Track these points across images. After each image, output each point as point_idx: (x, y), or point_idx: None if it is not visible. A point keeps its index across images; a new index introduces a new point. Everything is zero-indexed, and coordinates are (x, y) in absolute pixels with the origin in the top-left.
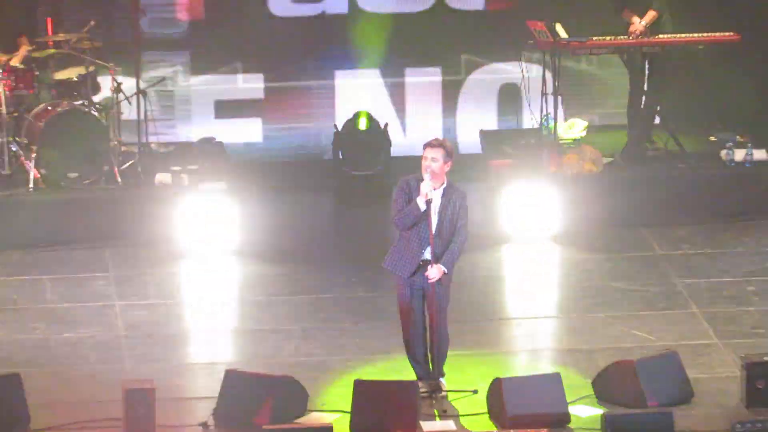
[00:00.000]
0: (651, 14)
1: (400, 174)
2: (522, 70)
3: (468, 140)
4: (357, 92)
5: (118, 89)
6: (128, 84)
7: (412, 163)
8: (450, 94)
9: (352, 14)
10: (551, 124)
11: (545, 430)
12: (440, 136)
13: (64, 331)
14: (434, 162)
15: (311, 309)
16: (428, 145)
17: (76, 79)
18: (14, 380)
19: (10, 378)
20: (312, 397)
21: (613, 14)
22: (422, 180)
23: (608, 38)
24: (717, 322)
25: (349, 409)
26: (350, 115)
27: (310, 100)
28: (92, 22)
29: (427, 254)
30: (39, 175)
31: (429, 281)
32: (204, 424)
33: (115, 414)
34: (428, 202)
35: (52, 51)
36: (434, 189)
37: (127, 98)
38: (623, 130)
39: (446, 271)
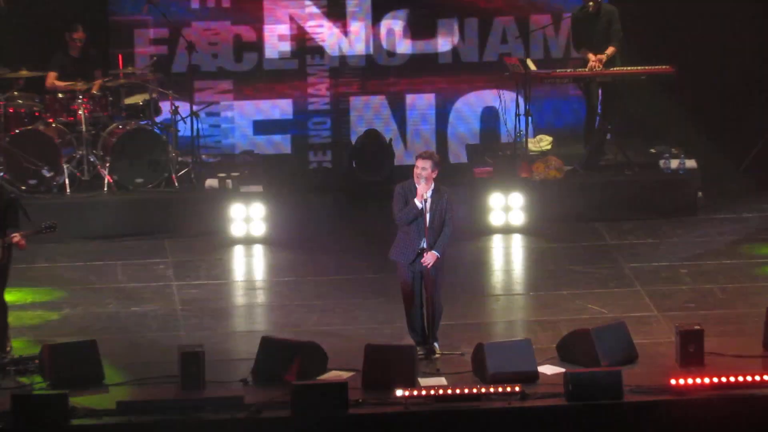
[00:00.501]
0: (611, 49)
1: (402, 179)
2: (500, 96)
3: (456, 152)
4: (368, 114)
5: (175, 111)
6: (183, 107)
7: (411, 171)
8: (442, 116)
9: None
10: (523, 139)
11: (518, 385)
12: (433, 149)
13: (132, 306)
14: (424, 170)
15: (330, 288)
16: (420, 157)
17: (141, 104)
18: (91, 345)
19: (88, 343)
20: (331, 358)
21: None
22: (414, 184)
23: (569, 70)
24: (656, 298)
25: (361, 368)
26: (362, 133)
27: (329, 119)
28: (154, 58)
29: (424, 244)
30: (112, 181)
31: (425, 266)
32: (244, 380)
33: (172, 372)
34: (424, 202)
35: (123, 81)
36: (426, 186)
37: (182, 119)
38: (581, 144)
39: (439, 255)
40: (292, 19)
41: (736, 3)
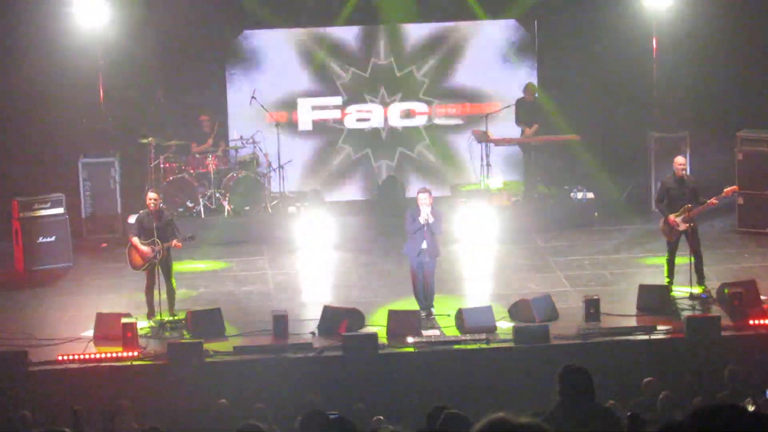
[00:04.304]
0: (535, 126)
1: (409, 206)
2: (470, 152)
3: (441, 190)
4: (387, 166)
5: (269, 165)
6: (274, 162)
7: (413, 202)
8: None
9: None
10: (485, 180)
11: (484, 335)
12: (427, 186)
13: (242, 286)
14: (426, 199)
15: (365, 274)
16: (421, 191)
17: (248, 160)
18: (217, 312)
19: (215, 310)
20: (367, 319)
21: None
22: (418, 208)
23: (514, 138)
24: (570, 279)
25: (385, 325)
26: (385, 178)
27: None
28: (258, 131)
29: (424, 245)
30: (230, 208)
31: (425, 250)
32: (313, 333)
33: (268, 328)
34: (426, 221)
35: (237, 146)
36: (427, 208)
37: (273, 169)
38: (522, 183)
39: (431, 221)
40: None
41: (621, 89)
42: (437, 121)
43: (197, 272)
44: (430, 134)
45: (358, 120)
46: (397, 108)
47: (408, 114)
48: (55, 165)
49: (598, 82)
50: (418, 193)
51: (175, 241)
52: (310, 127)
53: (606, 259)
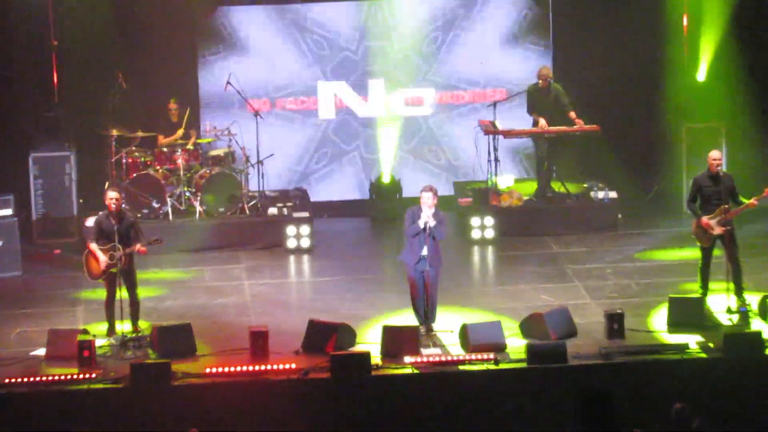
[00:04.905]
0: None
1: (407, 206)
2: (476, 146)
3: (445, 187)
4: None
5: (246, 160)
6: (252, 157)
7: (413, 201)
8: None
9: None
10: (493, 177)
11: (492, 353)
12: (431, 184)
13: (216, 298)
14: (429, 199)
15: (357, 284)
16: (424, 189)
17: (222, 155)
18: (187, 327)
19: (185, 326)
20: (358, 335)
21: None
22: (421, 208)
23: (526, 129)
24: (590, 290)
25: (380, 343)
26: (378, 173)
27: (354, 166)
28: (234, 122)
29: (424, 252)
30: (201, 210)
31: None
32: (297, 351)
33: (245, 346)
34: (425, 224)
35: (210, 139)
36: (428, 209)
37: (252, 165)
38: (535, 181)
39: (431, 225)
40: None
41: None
42: (437, 110)
43: (165, 282)
44: (430, 125)
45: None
46: (391, 95)
47: (405, 102)
48: (2, 160)
49: (621, 66)
50: (421, 191)
51: (138, 246)
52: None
53: (631, 267)
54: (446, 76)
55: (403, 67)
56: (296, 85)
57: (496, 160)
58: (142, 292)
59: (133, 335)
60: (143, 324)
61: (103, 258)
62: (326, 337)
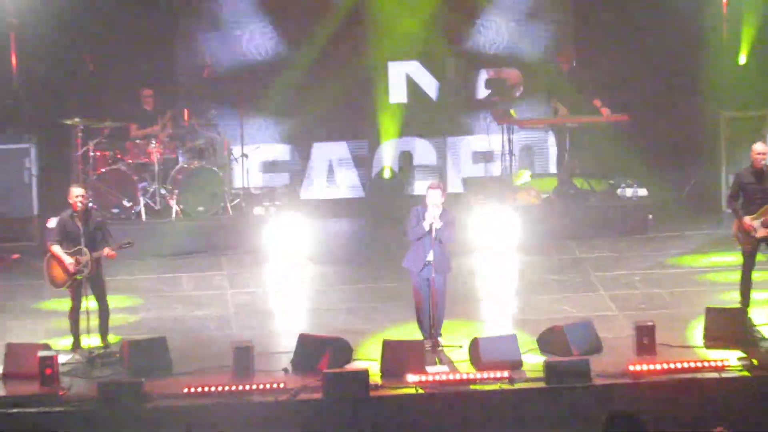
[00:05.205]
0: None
1: (410, 205)
2: (488, 136)
3: (454, 184)
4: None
5: (229, 153)
6: (236, 150)
7: (418, 200)
8: (441, 155)
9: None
10: (508, 172)
11: (507, 371)
12: (437, 181)
13: (194, 310)
14: (436, 198)
15: (353, 294)
16: (432, 187)
17: (203, 147)
18: (162, 341)
19: (159, 340)
20: (355, 351)
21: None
22: (426, 207)
23: (544, 118)
24: (617, 300)
25: (379, 359)
26: (379, 169)
27: (353, 157)
28: (213, 111)
29: (430, 256)
30: (179, 209)
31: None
32: (285, 369)
33: (227, 363)
34: (430, 226)
35: (189, 129)
36: (435, 209)
37: (235, 159)
38: (555, 177)
39: (438, 227)
40: None
41: (680, 58)
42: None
43: (137, 291)
44: (437, 113)
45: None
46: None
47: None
48: None
49: (651, 47)
50: (428, 188)
51: (107, 250)
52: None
53: (663, 274)
54: (453, 55)
55: (402, 42)
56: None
57: (511, 153)
58: (111, 302)
59: (102, 351)
60: (113, 338)
61: (69, 261)
62: (319, 353)
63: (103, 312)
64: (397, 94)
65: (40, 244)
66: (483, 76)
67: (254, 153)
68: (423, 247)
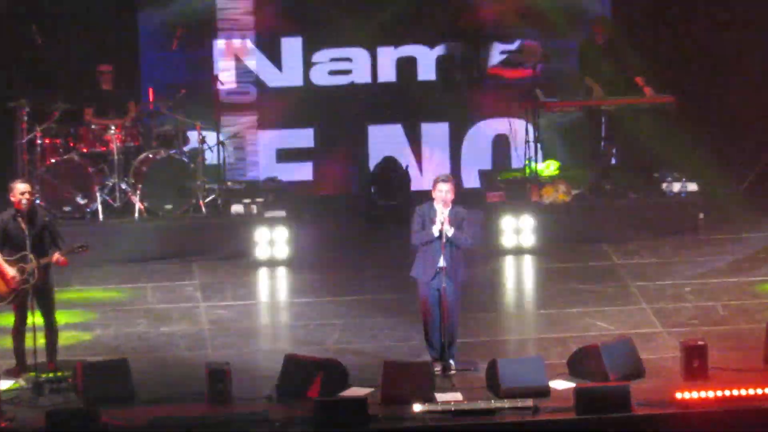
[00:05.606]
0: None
1: (418, 204)
2: (509, 124)
3: (469, 177)
4: (385, 141)
5: (202, 141)
6: (210, 137)
7: (427, 196)
8: (455, 143)
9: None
10: (533, 164)
11: (530, 400)
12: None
13: (161, 326)
14: (447, 194)
15: (349, 307)
16: (441, 180)
17: (170, 134)
18: (122, 364)
19: (120, 362)
20: (351, 375)
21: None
22: (432, 205)
23: (575, 100)
24: (661, 315)
25: (379, 385)
26: (380, 160)
27: (349, 147)
28: (183, 91)
29: (441, 262)
30: (142, 207)
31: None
32: (269, 397)
33: (199, 389)
34: (440, 232)
35: (155, 112)
36: (444, 208)
37: (209, 148)
38: (587, 169)
39: (449, 235)
40: None
41: (735, 32)
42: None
43: (93, 304)
44: (446, 94)
45: (332, 73)
46: (390, 53)
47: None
48: None
49: (704, 15)
50: (435, 182)
51: (57, 256)
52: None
53: (717, 284)
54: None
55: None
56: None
57: (537, 141)
58: (62, 318)
59: (51, 375)
60: (64, 360)
61: (11, 273)
62: (308, 377)
63: (51, 331)
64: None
65: None
66: (498, 48)
67: (233, 141)
68: (433, 252)
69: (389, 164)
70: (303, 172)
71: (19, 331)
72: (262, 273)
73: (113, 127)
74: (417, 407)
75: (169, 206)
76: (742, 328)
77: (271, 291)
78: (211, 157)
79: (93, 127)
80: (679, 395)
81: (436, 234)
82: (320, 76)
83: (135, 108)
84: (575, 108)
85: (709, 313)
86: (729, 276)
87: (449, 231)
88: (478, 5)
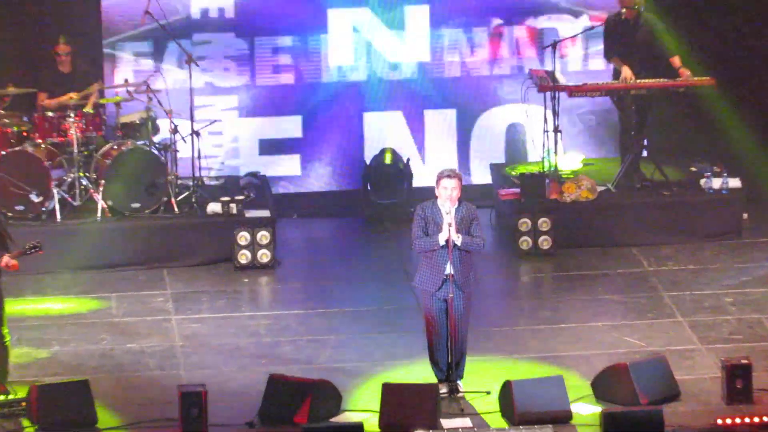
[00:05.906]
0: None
1: (421, 202)
2: (525, 111)
3: (479, 172)
4: (383, 131)
5: (175, 130)
6: (184, 126)
7: (432, 193)
8: (464, 133)
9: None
10: (552, 156)
11: (550, 426)
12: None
13: (128, 342)
14: (453, 191)
15: (343, 320)
16: (446, 176)
17: (138, 122)
18: (83, 385)
19: (80, 383)
20: (345, 398)
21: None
22: (436, 204)
23: (601, 83)
24: (699, 329)
25: (377, 409)
26: (377, 152)
27: (342, 138)
28: (154, 73)
29: (448, 269)
30: (106, 206)
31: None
32: (251, 423)
33: (171, 415)
34: (446, 241)
35: (119, 98)
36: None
37: (183, 138)
38: (615, 162)
39: (458, 243)
40: None
41: None
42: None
43: (48, 316)
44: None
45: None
46: (387, 34)
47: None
48: None
49: None
50: (439, 177)
51: (6, 258)
52: None
53: (763, 294)
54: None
55: None
56: None
57: (557, 130)
58: (12, 332)
59: (2, 398)
60: (17, 381)
61: None
62: (296, 400)
63: (1, 346)
64: None
65: None
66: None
67: (208, 129)
68: (438, 259)
69: (385, 158)
70: (289, 165)
71: None
72: (243, 281)
73: (72, 115)
74: None
75: (136, 205)
76: None
77: (252, 302)
78: (184, 149)
79: (49, 114)
80: (720, 421)
81: (442, 243)
82: None
83: (97, 92)
84: (601, 92)
85: (753, 327)
86: None
87: (457, 240)
88: None
